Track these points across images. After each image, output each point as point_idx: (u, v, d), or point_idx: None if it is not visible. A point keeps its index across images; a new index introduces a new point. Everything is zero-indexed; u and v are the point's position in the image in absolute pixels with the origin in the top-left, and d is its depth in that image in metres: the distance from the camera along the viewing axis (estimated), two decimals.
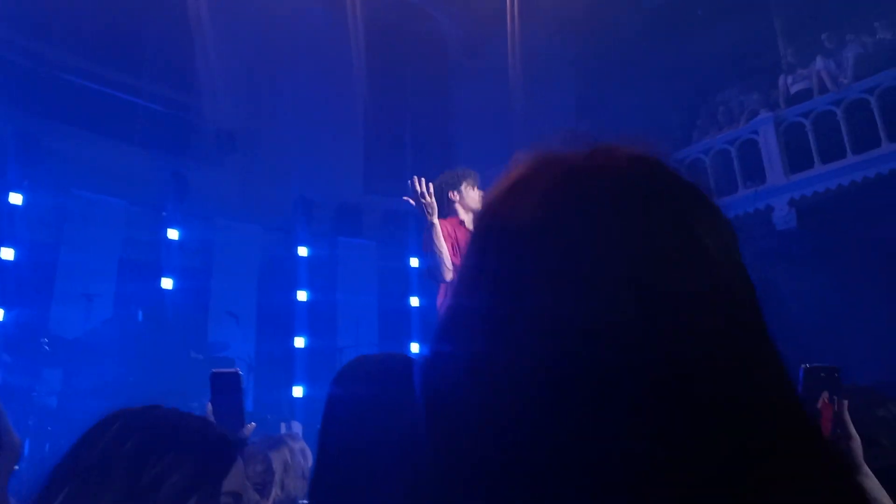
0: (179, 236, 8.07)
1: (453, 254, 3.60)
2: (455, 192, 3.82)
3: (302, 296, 8.59)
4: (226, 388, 1.55)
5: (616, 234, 0.44)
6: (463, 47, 12.55)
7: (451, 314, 0.49)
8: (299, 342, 8.34)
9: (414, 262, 9.08)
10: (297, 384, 7.98)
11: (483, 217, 0.52)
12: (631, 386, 0.40)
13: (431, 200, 3.55)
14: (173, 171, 8.37)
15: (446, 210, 3.81)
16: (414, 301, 9.09)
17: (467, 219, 3.79)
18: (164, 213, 8.16)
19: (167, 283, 7.65)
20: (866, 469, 1.28)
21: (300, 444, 3.49)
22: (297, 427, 7.16)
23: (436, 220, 3.61)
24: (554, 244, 0.44)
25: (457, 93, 12.11)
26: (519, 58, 10.58)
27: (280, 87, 9.84)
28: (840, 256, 7.45)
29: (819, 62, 8.38)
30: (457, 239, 3.62)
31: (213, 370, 1.56)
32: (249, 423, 1.59)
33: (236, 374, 1.58)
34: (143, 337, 6.74)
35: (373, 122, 10.98)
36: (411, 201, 3.61)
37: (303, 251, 8.91)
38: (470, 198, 3.80)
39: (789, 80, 8.57)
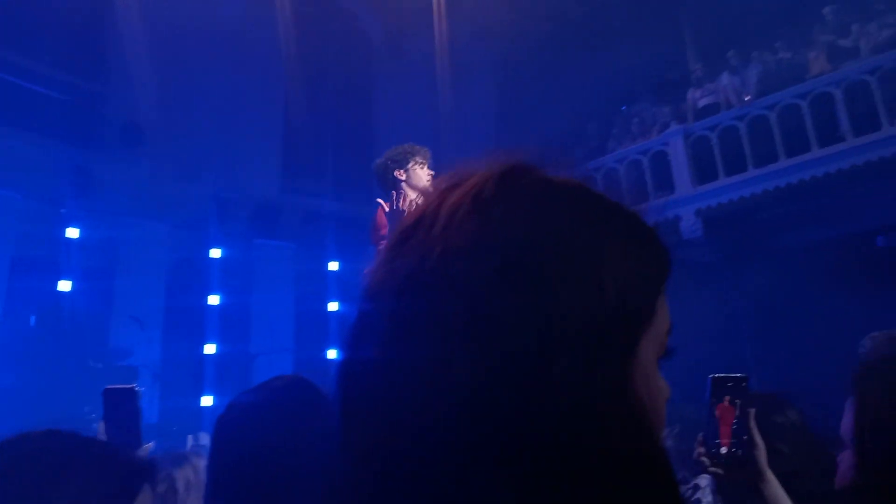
0: (80, 234, 7.58)
1: None
2: (401, 171, 3.54)
3: (214, 299, 8.26)
4: (121, 405, 1.45)
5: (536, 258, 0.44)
6: (387, 46, 12.46)
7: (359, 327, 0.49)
8: (209, 348, 8.01)
9: (333, 266, 8.92)
10: (207, 393, 7.66)
11: (386, 253, 0.50)
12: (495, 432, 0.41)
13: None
14: (75, 164, 7.85)
15: (392, 190, 3.53)
16: (332, 306, 8.92)
17: (418, 200, 3.60)
18: (63, 210, 7.64)
19: (65, 285, 7.17)
20: (770, 475, 1.31)
21: (206, 461, 3.32)
22: (205, 439, 6.87)
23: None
24: (446, 288, 0.44)
25: (380, 92, 12.02)
26: (443, 59, 10.60)
27: (194, 78, 9.41)
28: (743, 264, 7.88)
29: (725, 78, 8.82)
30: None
31: (107, 387, 1.45)
32: (148, 441, 1.50)
33: (132, 390, 1.48)
34: (36, 343, 6.27)
35: (293, 119, 10.72)
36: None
37: (216, 252, 8.57)
38: (417, 177, 3.51)
39: (697, 94, 8.99)
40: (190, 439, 6.67)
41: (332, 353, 8.09)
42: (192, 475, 3.12)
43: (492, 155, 0.53)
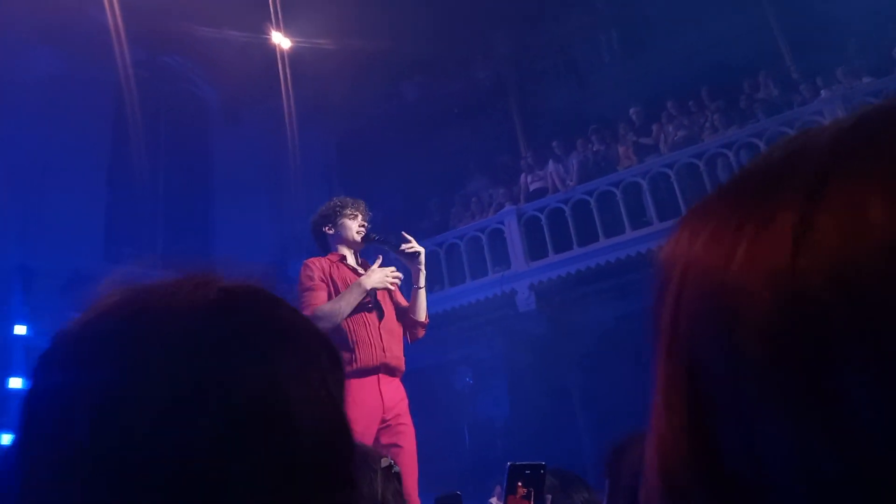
0: None
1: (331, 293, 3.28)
2: (329, 227, 3.47)
3: (16, 382, 7.23)
4: None
5: (164, 371, 0.45)
6: (223, 114, 12.20)
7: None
8: (6, 439, 6.94)
9: None
10: None
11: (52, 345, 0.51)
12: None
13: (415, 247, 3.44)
14: None
15: (324, 246, 3.49)
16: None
17: (348, 254, 3.44)
18: None
19: None
20: None
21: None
22: None
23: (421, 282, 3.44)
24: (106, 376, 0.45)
25: (216, 159, 11.64)
26: (285, 131, 10.57)
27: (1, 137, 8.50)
28: (572, 336, 8.49)
29: (551, 165, 9.72)
30: (332, 277, 3.29)
31: None
32: None
33: None
34: None
35: (119, 183, 10.01)
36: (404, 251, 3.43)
37: (20, 329, 7.56)
38: (347, 230, 3.44)
39: (529, 178, 9.79)
40: None
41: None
42: None
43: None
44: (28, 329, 7.66)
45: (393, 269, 3.39)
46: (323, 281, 3.27)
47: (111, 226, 9.71)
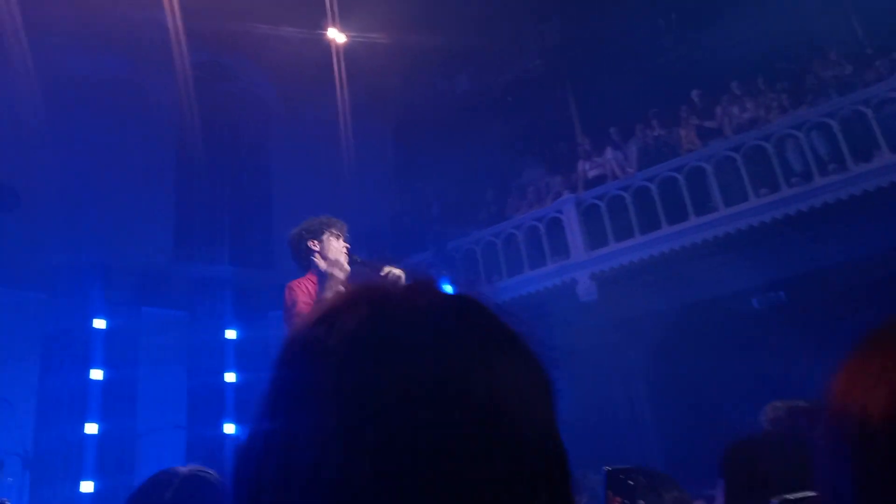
0: None
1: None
2: (315, 241, 3.46)
3: (97, 374, 7.59)
4: None
5: (414, 368, 0.47)
6: (283, 110, 12.44)
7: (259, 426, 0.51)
8: (91, 428, 7.30)
9: (230, 334, 8.50)
10: (87, 479, 6.92)
11: (298, 335, 0.53)
12: None
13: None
14: None
15: (305, 262, 3.47)
16: (229, 376, 8.46)
17: (331, 272, 3.35)
18: None
19: None
20: None
21: None
22: None
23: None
24: (357, 372, 0.47)
25: (276, 156, 11.89)
26: (343, 125, 10.70)
27: (77, 141, 8.90)
28: (635, 326, 8.34)
29: (609, 153, 9.54)
30: (311, 295, 3.28)
31: None
32: None
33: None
34: None
35: (185, 183, 10.35)
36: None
37: (99, 323, 7.94)
38: (331, 247, 3.44)
39: (587, 165, 9.64)
40: None
41: (229, 428, 7.61)
42: None
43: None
44: (107, 323, 8.03)
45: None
46: (307, 304, 3.25)
47: (180, 224, 10.06)
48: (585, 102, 10.88)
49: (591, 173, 9.49)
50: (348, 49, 10.26)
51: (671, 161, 8.79)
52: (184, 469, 1.22)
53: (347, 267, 3.35)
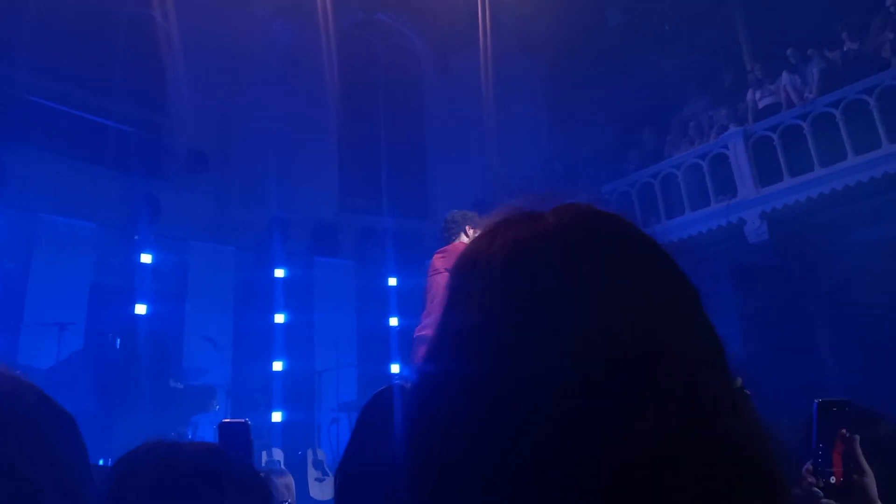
0: (153, 260, 7.91)
1: None
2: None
3: (280, 318, 8.47)
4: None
5: (581, 284, 0.49)
6: (434, 63, 12.61)
7: (437, 342, 0.54)
8: (277, 366, 8.21)
9: (392, 282, 9.03)
10: (276, 409, 7.84)
11: (466, 255, 0.57)
12: (589, 446, 0.43)
13: None
14: (145, 192, 8.20)
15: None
16: (393, 321, 9.03)
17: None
18: (136, 237, 7.99)
19: (140, 309, 7.48)
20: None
21: (285, 480, 3.38)
22: (277, 454, 7.04)
23: None
24: (525, 288, 0.50)
25: (429, 108, 12.15)
26: (490, 72, 10.65)
27: (252, 107, 9.74)
28: (813, 266, 7.61)
29: (785, 77, 8.58)
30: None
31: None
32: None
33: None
34: (119, 365, 6.56)
35: (346, 139, 10.95)
36: None
37: (279, 272, 8.80)
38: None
39: (757, 94, 8.77)
40: (264, 455, 6.86)
41: (394, 368, 8.17)
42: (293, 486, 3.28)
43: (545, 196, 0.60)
44: (285, 272, 8.88)
45: None
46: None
47: (343, 179, 10.72)
48: (756, 23, 9.80)
49: (763, 103, 8.63)
50: None
51: (860, 82, 7.73)
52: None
53: None
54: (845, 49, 8.17)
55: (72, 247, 7.48)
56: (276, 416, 7.80)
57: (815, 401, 1.36)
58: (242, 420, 1.53)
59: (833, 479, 1.29)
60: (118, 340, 6.88)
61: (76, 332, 6.84)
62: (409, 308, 8.61)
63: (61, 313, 6.73)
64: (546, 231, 0.54)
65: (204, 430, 6.55)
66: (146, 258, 7.85)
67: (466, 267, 0.55)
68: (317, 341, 8.83)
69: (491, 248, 0.54)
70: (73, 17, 7.97)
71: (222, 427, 1.51)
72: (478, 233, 0.60)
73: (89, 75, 8.47)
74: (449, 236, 4.52)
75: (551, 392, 0.45)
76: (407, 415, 0.53)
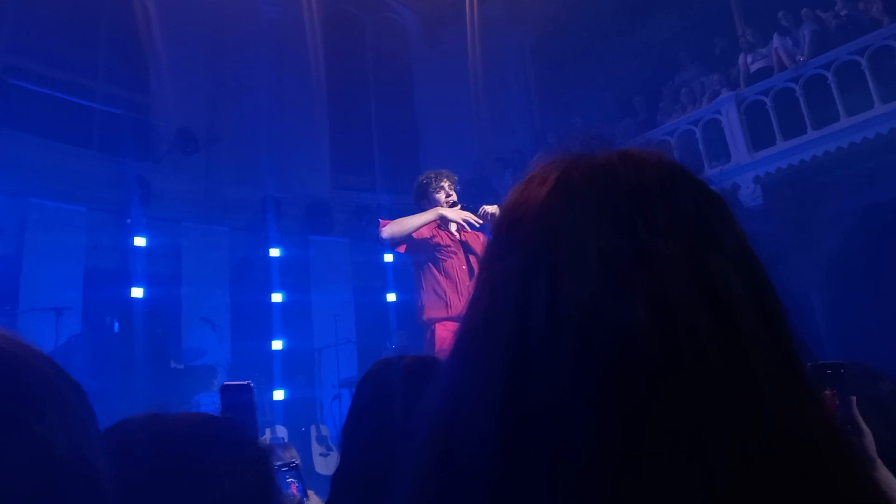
0: (147, 242, 7.86)
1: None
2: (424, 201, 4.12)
3: (277, 297, 8.47)
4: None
5: (646, 232, 0.48)
6: (422, 36, 12.46)
7: (474, 312, 0.52)
8: (277, 345, 8.23)
9: (388, 258, 9.02)
10: (278, 388, 7.88)
11: (509, 213, 0.55)
12: (645, 385, 0.43)
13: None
14: (135, 175, 8.11)
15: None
16: (391, 296, 9.04)
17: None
18: (128, 220, 7.93)
19: (137, 292, 7.45)
20: (880, 463, 1.27)
21: (290, 454, 3.42)
22: (281, 431, 7.09)
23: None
24: (579, 240, 0.48)
25: (419, 82, 12.04)
26: (479, 45, 10.56)
27: (240, 85, 9.63)
28: (809, 231, 7.66)
29: (776, 40, 8.53)
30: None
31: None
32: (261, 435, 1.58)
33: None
34: (119, 348, 6.55)
35: (337, 116, 10.85)
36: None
37: (275, 251, 8.77)
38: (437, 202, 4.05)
39: (749, 58, 8.72)
40: (268, 432, 6.90)
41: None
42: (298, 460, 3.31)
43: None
44: (280, 251, 8.85)
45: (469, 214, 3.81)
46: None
47: (335, 156, 10.64)
48: None
49: (754, 66, 8.59)
50: None
51: (851, 43, 7.70)
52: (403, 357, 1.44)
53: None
54: (836, 9, 8.12)
55: (64, 231, 7.42)
56: (279, 395, 7.84)
57: (808, 364, 1.36)
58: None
59: None
60: (116, 324, 6.85)
61: (73, 316, 6.82)
62: (405, 284, 8.63)
63: (57, 298, 6.69)
64: (608, 164, 0.53)
65: (207, 410, 6.59)
66: (140, 241, 7.80)
67: (518, 212, 0.53)
68: (315, 319, 8.84)
69: (545, 183, 0.52)
70: None
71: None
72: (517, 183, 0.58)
73: (74, 57, 8.34)
74: (428, 203, 4.02)
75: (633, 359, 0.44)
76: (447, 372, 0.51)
